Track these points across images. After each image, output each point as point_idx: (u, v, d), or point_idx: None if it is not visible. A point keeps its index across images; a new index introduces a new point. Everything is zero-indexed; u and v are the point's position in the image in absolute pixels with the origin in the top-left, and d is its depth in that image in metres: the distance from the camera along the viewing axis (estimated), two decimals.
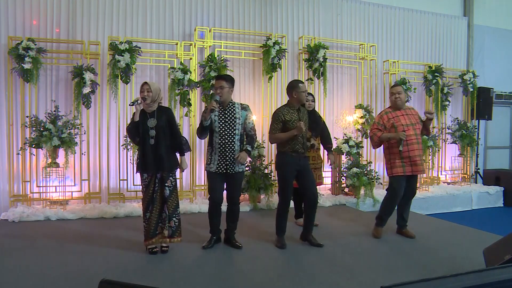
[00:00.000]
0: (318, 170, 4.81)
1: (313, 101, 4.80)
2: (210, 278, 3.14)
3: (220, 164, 3.66)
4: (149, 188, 3.54)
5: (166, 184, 3.58)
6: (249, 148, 3.72)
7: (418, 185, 6.89)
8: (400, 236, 4.28)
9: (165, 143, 3.56)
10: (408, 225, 4.32)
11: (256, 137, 3.85)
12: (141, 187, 3.63)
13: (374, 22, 7.48)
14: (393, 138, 4.06)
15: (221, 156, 3.66)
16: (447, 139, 7.76)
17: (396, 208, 4.26)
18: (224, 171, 3.67)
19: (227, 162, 3.66)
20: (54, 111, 5.15)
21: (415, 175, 4.15)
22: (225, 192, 3.82)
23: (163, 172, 3.56)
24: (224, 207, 3.81)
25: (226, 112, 3.68)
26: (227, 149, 3.65)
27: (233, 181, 3.75)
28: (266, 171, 5.86)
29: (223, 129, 3.64)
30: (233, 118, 3.68)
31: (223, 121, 3.66)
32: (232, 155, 3.67)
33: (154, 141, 3.51)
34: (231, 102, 3.73)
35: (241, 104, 3.79)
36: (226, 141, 3.65)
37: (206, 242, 3.84)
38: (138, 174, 3.65)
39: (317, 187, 4.98)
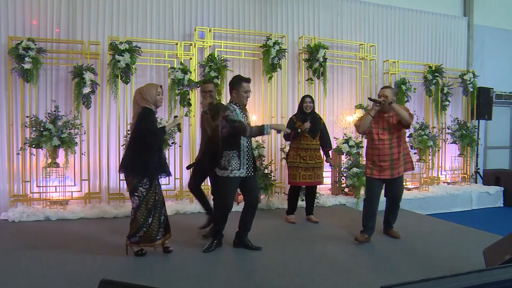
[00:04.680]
0: (318, 169, 4.80)
1: (311, 102, 4.79)
2: (210, 278, 3.14)
3: (249, 167, 3.65)
4: (151, 192, 3.42)
5: (161, 183, 3.59)
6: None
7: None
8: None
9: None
10: (393, 227, 4.28)
11: None
12: (138, 191, 3.37)
13: (374, 22, 7.48)
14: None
15: (249, 159, 3.65)
16: (447, 139, 7.76)
17: (384, 210, 4.25)
18: (252, 173, 3.68)
19: (253, 164, 3.70)
20: (54, 111, 5.15)
21: (394, 178, 4.01)
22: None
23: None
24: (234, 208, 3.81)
25: (246, 114, 3.72)
26: (251, 151, 3.69)
27: (254, 181, 3.75)
28: (266, 171, 5.85)
29: None
30: (248, 120, 3.72)
31: (247, 123, 3.66)
32: (253, 156, 3.72)
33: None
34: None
35: None
36: (250, 142, 3.69)
37: (207, 245, 3.74)
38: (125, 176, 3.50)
39: (317, 186, 5.04)
